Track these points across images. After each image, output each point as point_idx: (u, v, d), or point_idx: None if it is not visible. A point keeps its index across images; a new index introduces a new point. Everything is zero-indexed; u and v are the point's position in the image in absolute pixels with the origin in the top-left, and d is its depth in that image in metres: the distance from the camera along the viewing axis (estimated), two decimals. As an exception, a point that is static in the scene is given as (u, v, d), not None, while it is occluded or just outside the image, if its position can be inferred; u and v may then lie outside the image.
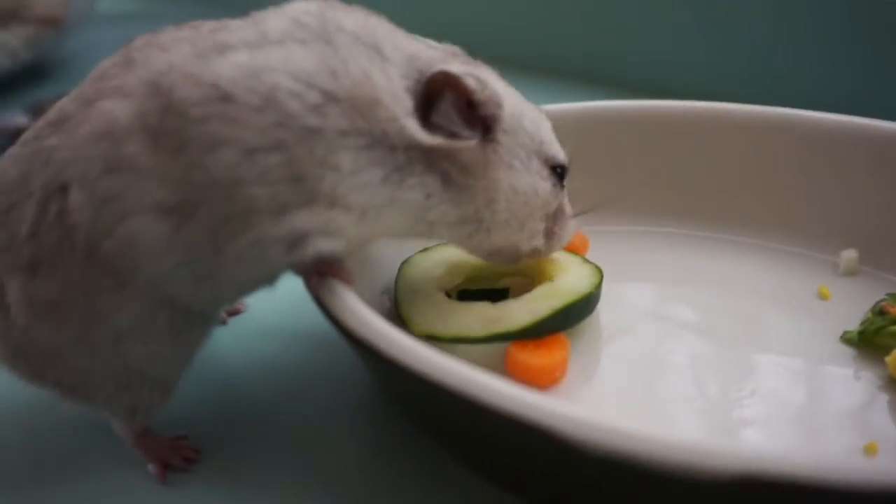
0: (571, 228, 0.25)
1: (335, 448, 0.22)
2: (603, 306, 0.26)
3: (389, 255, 0.27)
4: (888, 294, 0.26)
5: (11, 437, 0.23)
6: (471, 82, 0.20)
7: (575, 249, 0.28)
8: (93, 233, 0.18)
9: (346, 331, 0.19)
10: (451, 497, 0.20)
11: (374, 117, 0.19)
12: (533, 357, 0.23)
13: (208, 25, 0.20)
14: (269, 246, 0.19)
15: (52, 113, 0.20)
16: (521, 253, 0.24)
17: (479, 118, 0.21)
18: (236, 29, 0.20)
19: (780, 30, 0.42)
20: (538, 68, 0.48)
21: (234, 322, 0.28)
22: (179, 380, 0.22)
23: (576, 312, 0.25)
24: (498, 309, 0.24)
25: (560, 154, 0.23)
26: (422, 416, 0.21)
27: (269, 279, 0.21)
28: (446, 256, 0.27)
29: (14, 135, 0.23)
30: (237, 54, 0.18)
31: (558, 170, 0.23)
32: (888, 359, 0.23)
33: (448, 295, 0.26)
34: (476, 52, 0.23)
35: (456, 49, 0.23)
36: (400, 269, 0.27)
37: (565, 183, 0.24)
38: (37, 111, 0.39)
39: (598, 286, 0.25)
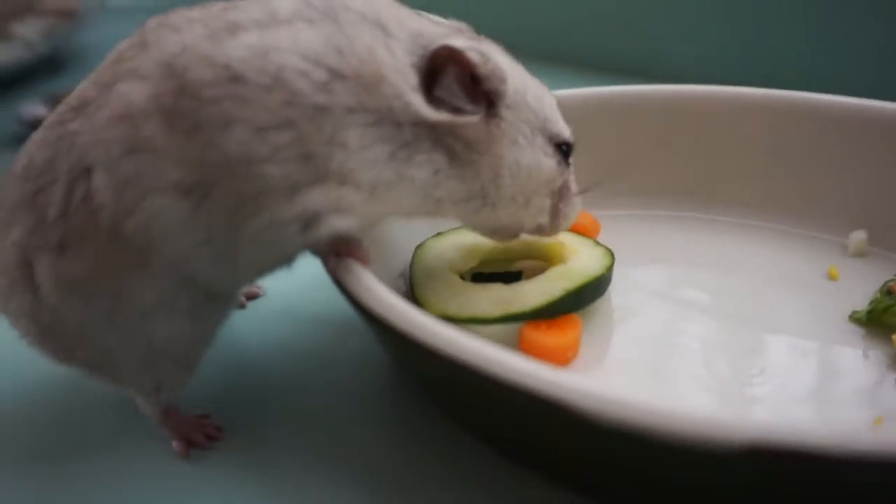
0: (577, 206, 0.24)
1: (352, 427, 0.22)
2: (614, 288, 0.27)
3: (404, 239, 0.27)
4: (896, 274, 0.26)
5: (47, 416, 0.24)
6: (474, 56, 0.20)
7: (586, 232, 0.28)
8: (116, 213, 0.19)
9: (365, 309, 0.19)
10: (469, 473, 0.20)
11: (379, 93, 0.19)
12: (546, 337, 0.24)
13: (220, 5, 0.20)
14: (285, 226, 0.19)
15: (73, 97, 0.20)
16: (525, 229, 0.24)
17: (483, 93, 0.21)
18: (247, 8, 0.20)
19: (786, 12, 0.42)
20: (548, 56, 0.48)
21: (252, 305, 0.28)
22: (201, 358, 0.22)
23: (588, 294, 0.25)
24: (511, 290, 0.24)
25: (565, 131, 0.23)
26: (439, 395, 0.22)
27: (286, 260, 0.21)
28: (460, 240, 0.27)
29: (34, 125, 0.23)
30: (247, 35, 0.19)
31: (563, 147, 0.23)
32: (894, 337, 0.23)
33: (462, 277, 0.26)
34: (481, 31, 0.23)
35: (462, 25, 0.23)
36: (415, 253, 0.27)
37: (571, 161, 0.24)
38: (55, 102, 0.40)
39: (610, 268, 0.26)
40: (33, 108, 0.42)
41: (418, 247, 0.27)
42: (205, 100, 0.18)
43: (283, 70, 0.18)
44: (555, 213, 0.24)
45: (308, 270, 0.22)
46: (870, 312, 0.25)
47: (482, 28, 0.23)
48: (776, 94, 0.30)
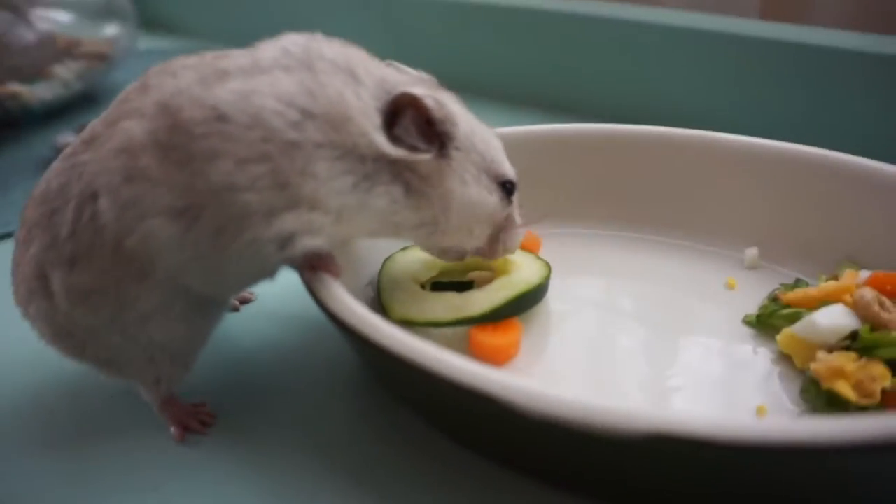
0: (518, 237, 0.24)
1: (326, 414, 0.22)
2: (553, 295, 0.27)
3: (373, 253, 0.27)
4: (782, 284, 0.26)
5: (60, 405, 0.23)
6: (430, 102, 0.20)
7: (529, 248, 0.28)
8: (118, 232, 0.19)
9: (333, 316, 0.19)
10: (421, 453, 0.20)
11: (346, 131, 0.19)
12: (490, 338, 0.23)
13: (212, 54, 0.20)
14: (264, 245, 0.19)
15: (85, 132, 0.20)
16: (465, 252, 0.23)
17: (437, 134, 0.21)
18: (235, 57, 0.20)
19: (702, 64, 0.43)
20: (503, 96, 0.49)
21: (245, 309, 0.28)
22: (197, 356, 0.22)
23: (527, 300, 0.25)
24: (462, 298, 0.24)
25: (509, 172, 0.23)
26: (396, 386, 0.22)
27: (267, 273, 0.21)
28: (422, 254, 0.27)
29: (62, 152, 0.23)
30: (233, 81, 0.19)
31: (507, 185, 0.23)
32: (778, 337, 0.23)
33: (423, 286, 0.26)
34: (443, 78, 0.23)
35: (426, 76, 0.23)
36: (383, 265, 0.27)
37: (515, 197, 0.24)
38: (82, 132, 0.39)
39: (547, 278, 0.26)
40: (66, 137, 0.42)
41: (386, 259, 0.27)
42: (195, 136, 0.18)
43: (262, 111, 0.18)
44: (493, 241, 0.23)
45: (293, 279, 0.21)
46: (759, 317, 0.25)
47: (441, 70, 0.23)
48: (689, 133, 0.30)
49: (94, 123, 0.20)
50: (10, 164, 0.42)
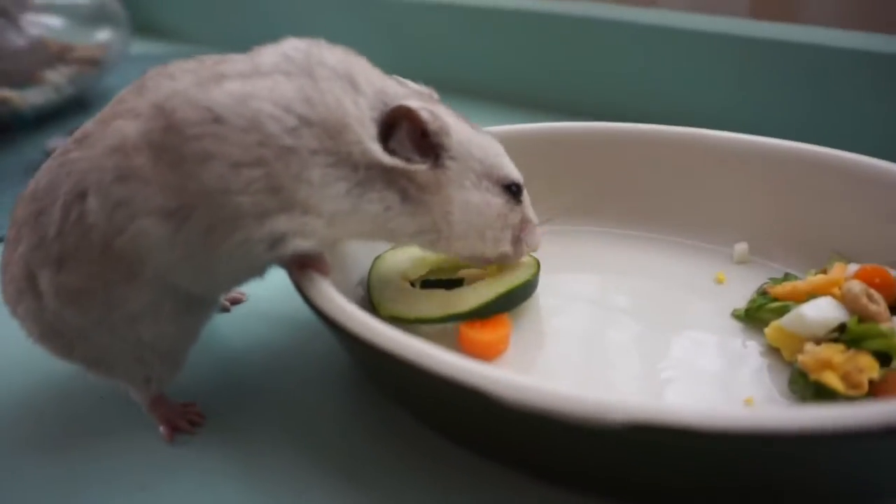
0: (538, 234, 0.24)
1: (317, 413, 0.22)
2: (544, 291, 0.27)
3: (364, 252, 0.27)
4: (770, 279, 0.26)
5: (49, 405, 0.23)
6: (424, 115, 0.20)
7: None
8: (107, 232, 0.19)
9: (321, 313, 0.19)
10: (412, 450, 0.20)
11: (342, 140, 0.19)
12: (479, 333, 0.24)
13: (213, 58, 0.20)
14: (254, 245, 0.19)
15: (78, 132, 0.20)
16: (488, 257, 0.24)
17: (431, 146, 0.21)
18: (235, 62, 0.20)
19: (691, 62, 0.43)
20: (495, 97, 0.49)
21: (236, 309, 0.28)
22: (186, 355, 0.22)
23: (516, 296, 0.25)
24: (451, 295, 0.24)
25: (512, 174, 0.23)
26: (385, 383, 0.22)
27: (256, 272, 0.21)
28: (412, 253, 0.27)
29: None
30: (231, 83, 0.19)
31: (513, 187, 0.23)
32: (766, 330, 0.23)
33: (412, 284, 0.26)
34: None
35: (426, 90, 0.23)
36: (373, 262, 0.27)
37: (524, 197, 0.24)
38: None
39: (535, 275, 0.26)
40: (57, 142, 0.42)
41: (377, 257, 0.27)
42: (188, 137, 0.18)
43: (259, 114, 0.18)
44: (516, 242, 0.24)
45: (284, 279, 0.21)
46: (748, 310, 0.25)
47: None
48: (677, 131, 0.30)
49: (88, 123, 0.20)
50: (1, 170, 0.42)
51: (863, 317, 0.21)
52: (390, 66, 0.23)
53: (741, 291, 0.26)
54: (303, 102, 0.19)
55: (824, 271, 0.25)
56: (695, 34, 0.42)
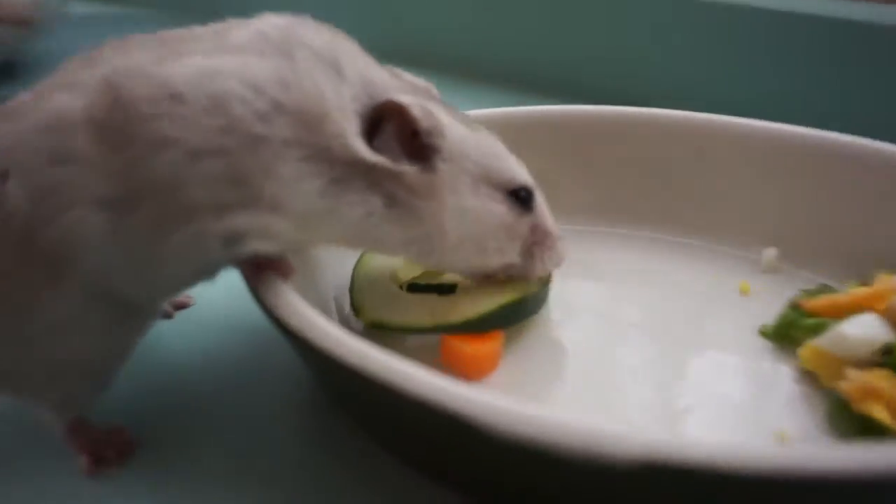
0: (557, 249, 0.24)
1: (272, 440, 0.21)
2: (548, 303, 0.26)
3: (345, 253, 0.26)
4: (803, 290, 0.26)
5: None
6: (415, 112, 0.20)
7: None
8: (31, 222, 0.18)
9: (276, 320, 0.19)
10: (383, 484, 0.20)
11: (320, 131, 0.19)
12: (465, 345, 0.23)
13: (178, 33, 0.20)
14: (208, 241, 0.18)
15: (9, 104, 0.19)
16: (491, 270, 0.23)
17: (422, 147, 0.21)
18: (201, 38, 0.19)
19: (702, 37, 0.42)
20: (491, 75, 0.49)
21: (179, 315, 0.27)
22: (116, 373, 0.21)
23: (520, 310, 0.25)
24: (444, 302, 0.24)
25: (517, 177, 0.23)
26: (349, 405, 0.21)
27: (208, 273, 0.20)
28: None
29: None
30: (194, 58, 0.18)
31: (520, 193, 0.23)
32: (800, 351, 0.23)
33: (402, 287, 0.26)
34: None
35: (422, 84, 0.23)
36: (359, 260, 0.27)
37: (537, 203, 0.23)
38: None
39: (546, 286, 0.25)
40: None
41: (363, 254, 0.27)
42: (140, 117, 0.17)
43: (225, 94, 0.18)
44: (528, 255, 0.23)
45: (237, 281, 0.21)
46: (777, 327, 0.24)
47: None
48: (697, 117, 0.30)
49: (23, 94, 0.19)
50: None
51: (913, 337, 0.21)
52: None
53: (770, 305, 0.26)
54: (277, 85, 0.18)
55: (866, 283, 0.24)
56: (712, 6, 0.41)
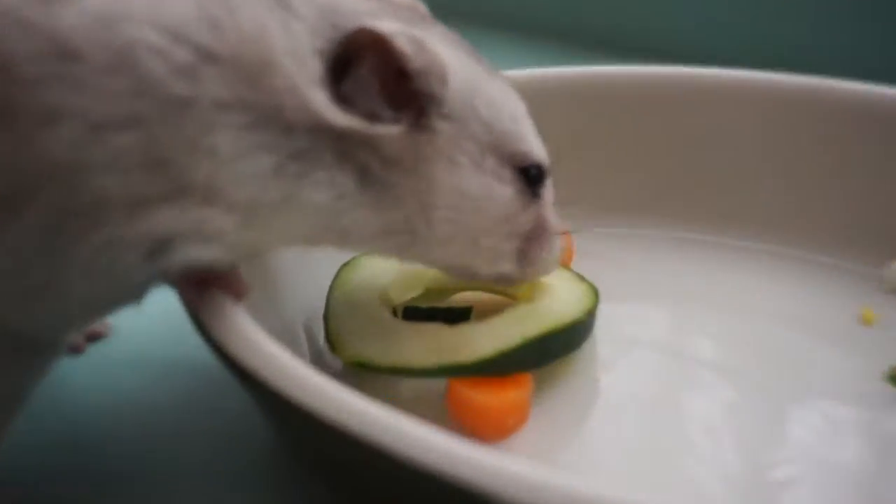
0: (555, 248, 0.24)
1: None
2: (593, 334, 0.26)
3: (318, 260, 0.26)
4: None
5: None
6: (402, 44, 0.20)
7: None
8: None
9: (222, 353, 0.19)
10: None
11: (266, 86, 0.18)
12: (481, 395, 0.23)
13: None
14: (123, 251, 0.18)
15: None
16: (480, 277, 0.23)
17: (411, 95, 0.20)
18: None
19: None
20: (515, 27, 0.49)
21: (93, 350, 0.28)
22: (5, 426, 0.21)
23: (557, 345, 0.24)
24: (455, 334, 0.24)
25: (533, 150, 0.23)
26: (321, 467, 0.21)
27: (129, 294, 0.20)
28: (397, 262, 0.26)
29: None
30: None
31: (532, 171, 0.23)
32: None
33: (395, 312, 0.26)
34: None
35: (408, 1, 0.23)
36: (337, 275, 0.26)
37: (546, 189, 0.23)
38: None
39: (592, 313, 0.25)
40: None
41: (344, 265, 0.27)
42: (23, 81, 0.17)
43: (133, 46, 0.17)
44: (523, 259, 0.23)
45: (169, 303, 0.21)
46: (910, 370, 0.24)
47: None
48: (793, 81, 0.30)
49: None
50: None
51: None
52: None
53: (899, 339, 0.25)
54: (203, 26, 0.18)
55: None
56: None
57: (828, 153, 0.30)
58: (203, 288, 0.20)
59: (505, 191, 0.22)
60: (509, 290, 0.26)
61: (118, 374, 0.26)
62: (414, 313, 0.26)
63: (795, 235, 0.30)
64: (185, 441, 0.24)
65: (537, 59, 0.35)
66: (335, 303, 0.25)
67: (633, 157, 0.31)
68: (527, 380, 0.24)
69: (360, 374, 0.24)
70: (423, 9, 0.23)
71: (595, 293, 0.26)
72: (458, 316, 0.25)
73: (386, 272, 0.26)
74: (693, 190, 0.31)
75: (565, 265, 0.28)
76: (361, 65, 0.20)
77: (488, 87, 0.22)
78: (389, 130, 0.20)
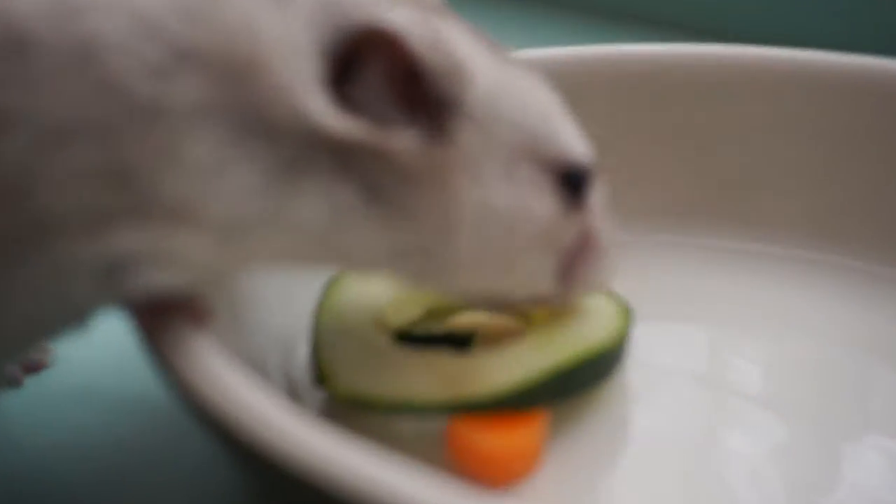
0: (606, 266, 0.24)
1: None
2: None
3: (303, 281, 0.27)
4: None
5: None
6: (418, 41, 0.20)
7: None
8: None
9: (184, 391, 0.19)
10: None
11: (253, 88, 0.18)
12: (487, 436, 0.23)
13: None
14: (74, 273, 0.18)
15: None
16: (514, 301, 0.23)
17: (428, 98, 0.20)
18: None
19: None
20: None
21: (33, 383, 0.28)
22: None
23: (585, 376, 0.24)
24: (466, 363, 0.24)
25: (574, 151, 0.22)
26: None
27: (75, 318, 0.20)
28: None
29: None
30: None
31: (575, 177, 0.22)
32: None
33: (394, 338, 0.26)
34: None
35: None
36: (324, 295, 0.27)
37: (594, 196, 0.23)
38: None
39: (625, 337, 0.25)
40: None
41: (330, 284, 0.27)
42: None
43: (97, 40, 0.18)
44: (566, 278, 0.23)
45: (127, 329, 0.21)
46: None
47: None
48: (845, 62, 0.31)
49: None
50: None
51: None
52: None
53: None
54: (180, 19, 0.18)
55: None
56: None
57: (886, 149, 0.30)
58: (160, 313, 0.20)
59: (543, 203, 0.22)
60: (527, 312, 0.26)
61: (61, 409, 0.26)
62: (415, 338, 0.26)
63: (859, 244, 0.30)
64: (136, 488, 0.24)
65: (548, 34, 0.35)
66: (323, 328, 0.25)
67: (662, 152, 0.32)
68: (540, 418, 0.24)
69: (348, 413, 0.24)
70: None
71: (628, 314, 0.26)
72: (462, 342, 0.25)
73: (379, 294, 0.26)
74: (734, 190, 0.31)
75: None
76: (369, 65, 0.20)
77: (515, 83, 0.22)
78: (401, 139, 0.20)
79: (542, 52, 0.31)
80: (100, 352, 0.26)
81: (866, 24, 0.45)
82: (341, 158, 0.20)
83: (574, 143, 0.23)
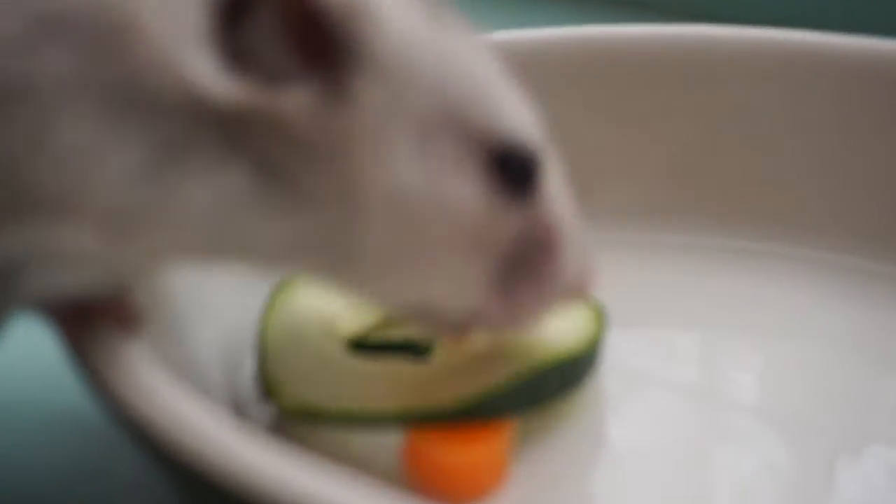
0: (585, 272, 0.23)
1: None
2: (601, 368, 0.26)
3: (247, 282, 0.26)
4: None
5: None
6: None
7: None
8: None
9: (111, 403, 0.19)
10: None
11: (127, 54, 0.18)
12: (440, 447, 0.23)
13: None
14: None
15: None
16: (445, 315, 0.22)
17: (328, 48, 0.19)
18: None
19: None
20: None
21: None
22: None
23: (553, 384, 0.25)
24: (423, 371, 0.24)
25: (512, 129, 0.21)
26: None
27: None
28: None
29: None
30: None
31: (516, 161, 0.21)
32: None
33: (348, 346, 0.26)
34: None
35: None
36: (271, 299, 0.27)
37: (544, 186, 0.22)
38: None
39: (598, 343, 0.25)
40: None
41: (278, 288, 0.27)
42: None
43: None
44: (509, 292, 0.22)
45: (42, 339, 0.21)
46: None
47: None
48: (869, 45, 0.31)
49: None
50: None
51: None
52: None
53: None
54: None
55: None
56: None
57: (886, 139, 0.30)
58: (84, 318, 0.20)
59: (466, 188, 0.20)
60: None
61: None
62: (370, 346, 0.26)
63: (863, 242, 0.30)
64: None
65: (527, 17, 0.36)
66: (269, 336, 0.26)
67: (645, 142, 0.32)
68: (505, 428, 0.24)
69: (300, 429, 0.24)
70: None
71: (602, 317, 0.26)
72: (421, 349, 0.25)
73: (329, 299, 0.26)
74: (725, 184, 0.31)
75: None
76: (259, 8, 0.19)
77: (444, 43, 0.21)
78: (294, 98, 0.19)
79: (508, 33, 0.32)
80: (23, 364, 0.26)
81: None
82: (231, 133, 0.19)
83: (514, 119, 0.21)
